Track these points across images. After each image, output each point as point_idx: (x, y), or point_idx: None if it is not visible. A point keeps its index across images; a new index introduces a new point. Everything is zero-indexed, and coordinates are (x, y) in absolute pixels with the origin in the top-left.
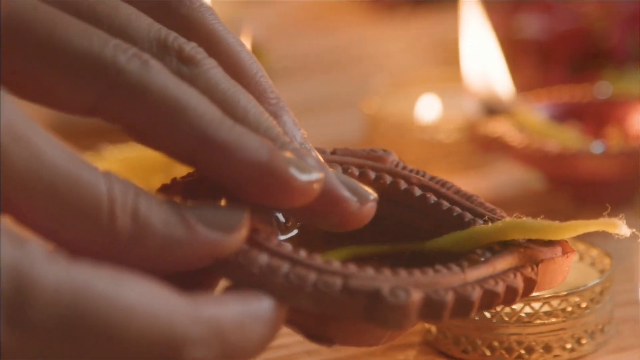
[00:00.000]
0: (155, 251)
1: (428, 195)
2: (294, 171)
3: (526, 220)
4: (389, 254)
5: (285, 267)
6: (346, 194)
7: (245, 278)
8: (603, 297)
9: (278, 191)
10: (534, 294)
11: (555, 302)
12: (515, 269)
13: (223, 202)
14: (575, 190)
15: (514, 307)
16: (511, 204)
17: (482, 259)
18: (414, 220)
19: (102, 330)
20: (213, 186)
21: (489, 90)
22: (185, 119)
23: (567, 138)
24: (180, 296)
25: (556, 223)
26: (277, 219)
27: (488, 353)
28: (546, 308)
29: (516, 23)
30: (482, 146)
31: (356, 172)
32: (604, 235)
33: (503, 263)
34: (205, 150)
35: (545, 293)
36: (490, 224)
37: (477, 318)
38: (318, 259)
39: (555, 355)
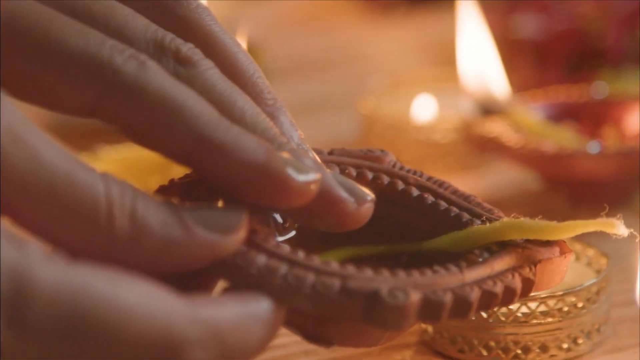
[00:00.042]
0: (153, 252)
1: (425, 195)
2: (291, 172)
3: (524, 220)
4: (386, 255)
5: (283, 268)
6: (343, 194)
7: (243, 279)
8: (599, 297)
9: (275, 192)
10: (532, 294)
11: (551, 302)
12: (513, 270)
13: (220, 204)
14: (571, 190)
15: (510, 307)
16: (507, 204)
17: (480, 259)
18: (412, 220)
19: (101, 331)
20: (210, 187)
21: (485, 90)
22: (183, 119)
23: (563, 138)
24: (179, 297)
25: (554, 223)
26: (275, 220)
27: (485, 353)
28: (543, 308)
29: (512, 23)
30: (479, 146)
31: (353, 172)
32: (601, 235)
33: (501, 263)
34: (203, 150)
35: (542, 293)
36: (488, 224)
37: (473, 318)
38: (316, 260)
39: (552, 355)
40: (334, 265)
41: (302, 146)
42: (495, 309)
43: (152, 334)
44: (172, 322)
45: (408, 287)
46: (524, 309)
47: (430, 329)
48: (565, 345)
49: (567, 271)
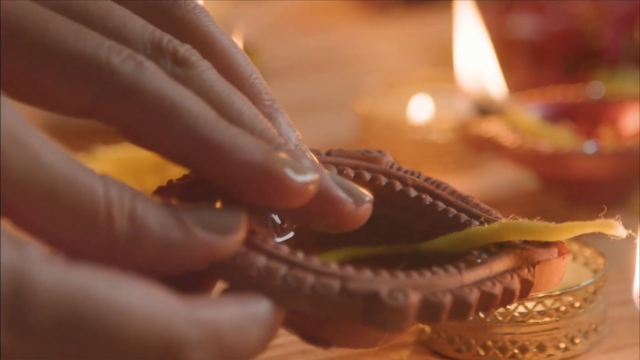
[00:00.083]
0: (152, 253)
1: (423, 196)
2: (289, 172)
3: (522, 221)
4: (384, 256)
5: (283, 269)
6: (342, 195)
7: (243, 280)
8: (596, 297)
9: (274, 192)
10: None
11: (548, 302)
12: (511, 271)
13: (219, 204)
14: (568, 190)
15: (507, 306)
16: (504, 204)
17: (479, 260)
18: (410, 221)
19: (100, 332)
20: (209, 188)
21: (482, 90)
22: (180, 119)
23: (559, 138)
24: (178, 298)
25: (552, 224)
26: (273, 221)
27: (482, 352)
28: (540, 307)
29: (509, 23)
30: (475, 146)
31: (351, 173)
32: (598, 234)
33: (500, 265)
34: (201, 151)
35: (539, 292)
36: (486, 225)
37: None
38: (316, 261)
39: (549, 355)
40: (334, 267)
41: (300, 147)
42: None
43: (151, 335)
44: (172, 323)
45: (407, 288)
46: (521, 309)
47: (427, 328)
48: (562, 345)
49: (565, 272)
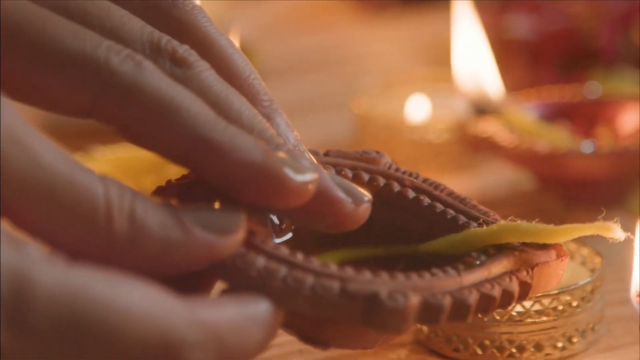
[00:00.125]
0: (152, 254)
1: (422, 197)
2: (288, 172)
3: (521, 223)
4: (383, 257)
5: (282, 270)
6: (341, 195)
7: (242, 281)
8: (594, 296)
9: (273, 192)
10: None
11: (546, 301)
12: (510, 273)
13: (218, 204)
14: (565, 190)
15: None
16: (501, 204)
17: (478, 262)
18: (408, 222)
19: (100, 332)
20: (208, 188)
21: (479, 90)
22: (179, 119)
23: (557, 138)
24: (178, 299)
25: (551, 226)
26: (272, 221)
27: (479, 352)
28: (537, 307)
29: (506, 23)
30: (472, 146)
31: (349, 174)
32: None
33: (498, 267)
34: (200, 150)
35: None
36: (484, 227)
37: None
38: (315, 262)
39: (547, 354)
40: (333, 268)
41: (298, 147)
42: None
43: (151, 335)
44: (171, 324)
45: (407, 289)
46: (518, 308)
47: (425, 328)
48: (560, 344)
49: (563, 274)
